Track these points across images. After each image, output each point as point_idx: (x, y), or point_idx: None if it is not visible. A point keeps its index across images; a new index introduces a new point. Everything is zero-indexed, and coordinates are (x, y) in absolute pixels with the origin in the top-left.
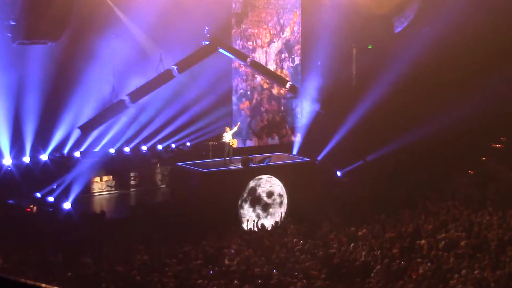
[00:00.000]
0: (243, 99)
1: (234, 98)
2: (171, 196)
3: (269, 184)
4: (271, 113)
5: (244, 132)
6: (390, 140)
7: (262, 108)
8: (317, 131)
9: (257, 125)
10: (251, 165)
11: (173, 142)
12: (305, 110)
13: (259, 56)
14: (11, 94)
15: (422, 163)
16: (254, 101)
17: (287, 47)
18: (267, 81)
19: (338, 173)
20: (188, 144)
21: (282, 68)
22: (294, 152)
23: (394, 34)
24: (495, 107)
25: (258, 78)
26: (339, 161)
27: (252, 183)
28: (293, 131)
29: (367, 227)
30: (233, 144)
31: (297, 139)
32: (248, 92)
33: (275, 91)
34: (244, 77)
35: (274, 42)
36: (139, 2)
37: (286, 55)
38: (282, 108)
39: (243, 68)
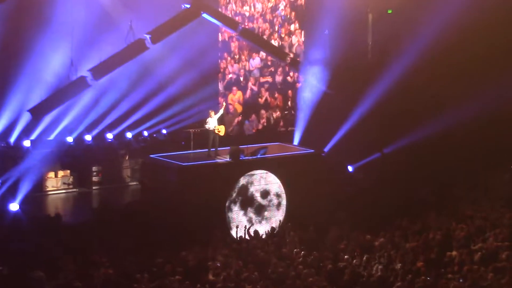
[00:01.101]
0: (233, 88)
1: (220, 86)
2: (142, 196)
3: (264, 182)
4: (273, 110)
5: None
6: (413, 128)
7: (259, 102)
8: (324, 116)
9: (251, 128)
10: (242, 157)
11: (145, 129)
12: (309, 91)
13: (259, 27)
14: None
15: (452, 156)
16: (248, 91)
17: (296, 13)
18: (268, 61)
19: (350, 168)
20: (164, 131)
21: (291, 46)
22: (295, 142)
23: None
24: None
25: (257, 59)
26: (350, 153)
27: (243, 180)
28: (294, 115)
29: (385, 235)
30: (219, 131)
31: (299, 126)
32: (241, 78)
33: (279, 77)
34: (236, 56)
35: (279, 8)
36: None
37: (297, 26)
38: (290, 103)
39: (235, 43)
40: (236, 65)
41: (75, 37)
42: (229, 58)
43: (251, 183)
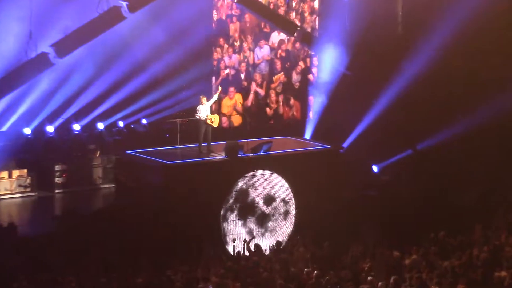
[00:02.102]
0: (229, 90)
1: (213, 84)
2: (117, 201)
3: (268, 185)
4: (287, 125)
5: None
6: (454, 118)
7: (267, 112)
8: (342, 104)
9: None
10: (241, 154)
11: (120, 119)
12: (323, 72)
13: None
14: None
15: (501, 153)
16: (251, 95)
17: None
18: (282, 50)
19: (375, 169)
20: (144, 121)
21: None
22: (307, 135)
23: None
24: None
25: (265, 47)
26: (375, 150)
27: (242, 183)
28: (305, 103)
29: (418, 252)
30: (212, 121)
31: (312, 115)
32: (242, 76)
33: (297, 77)
34: (236, 43)
35: None
36: None
37: None
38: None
39: (235, 24)
40: (235, 56)
41: (34, 4)
42: (226, 46)
43: (252, 186)
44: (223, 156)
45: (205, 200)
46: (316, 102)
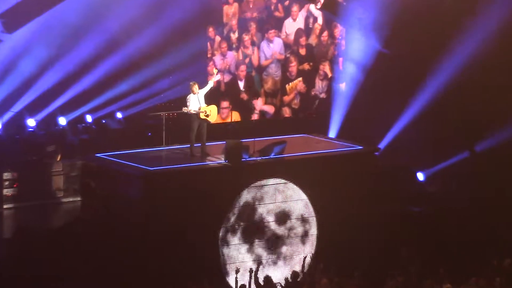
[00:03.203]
0: (222, 106)
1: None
2: (82, 220)
3: (282, 198)
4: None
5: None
6: None
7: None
8: (378, 93)
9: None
10: (246, 158)
11: (88, 113)
12: (353, 51)
13: None
14: None
15: None
16: (255, 115)
17: None
18: (301, 45)
19: (420, 177)
20: (119, 115)
21: None
22: (332, 133)
23: None
24: None
25: (277, 41)
26: (420, 152)
27: (247, 196)
28: (329, 92)
29: (478, 283)
30: (208, 115)
31: (338, 108)
32: (240, 84)
33: (322, 84)
34: (233, 36)
35: None
36: None
37: None
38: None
39: (232, 6)
40: (231, 55)
41: None
42: (217, 39)
43: (260, 200)
44: (222, 161)
45: (199, 218)
46: (344, 90)
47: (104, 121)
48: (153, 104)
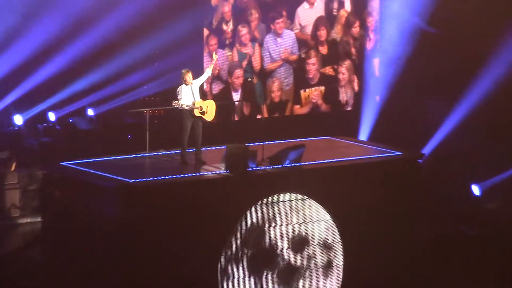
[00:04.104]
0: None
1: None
2: (44, 244)
3: (299, 218)
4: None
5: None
6: None
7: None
8: (419, 88)
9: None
10: (252, 167)
11: (50, 109)
12: (388, 39)
13: None
14: None
15: None
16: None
17: None
18: (321, 43)
19: (475, 190)
20: (90, 112)
21: None
22: (363, 135)
23: None
24: None
25: (287, 34)
26: (475, 160)
27: (254, 215)
28: (358, 88)
29: None
30: (204, 112)
31: (370, 106)
32: (235, 95)
33: (349, 94)
34: (227, 29)
35: None
36: None
37: None
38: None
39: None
40: (223, 54)
41: None
42: (204, 32)
43: (271, 221)
44: (222, 171)
45: (193, 244)
46: (378, 81)
47: (71, 120)
48: (134, 98)
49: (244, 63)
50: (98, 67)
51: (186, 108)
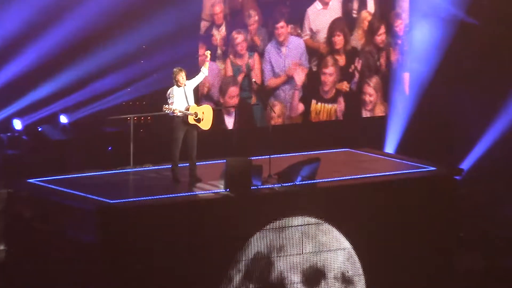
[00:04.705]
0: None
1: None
2: (8, 275)
3: (314, 246)
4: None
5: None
6: None
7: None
8: (459, 88)
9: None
10: (257, 184)
11: (16, 116)
12: (423, 25)
13: None
14: None
15: None
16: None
17: None
18: (339, 53)
19: None
20: (64, 120)
21: None
22: (390, 147)
23: None
24: None
25: (292, 42)
26: None
27: (259, 242)
28: (385, 92)
29: None
30: (199, 119)
31: (397, 113)
32: (227, 120)
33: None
34: (218, 35)
35: None
36: None
37: None
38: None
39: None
40: (214, 67)
41: None
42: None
43: (280, 249)
44: (221, 189)
45: (186, 275)
46: (408, 84)
47: (40, 129)
48: (115, 103)
49: (240, 78)
50: (72, 65)
51: (179, 114)
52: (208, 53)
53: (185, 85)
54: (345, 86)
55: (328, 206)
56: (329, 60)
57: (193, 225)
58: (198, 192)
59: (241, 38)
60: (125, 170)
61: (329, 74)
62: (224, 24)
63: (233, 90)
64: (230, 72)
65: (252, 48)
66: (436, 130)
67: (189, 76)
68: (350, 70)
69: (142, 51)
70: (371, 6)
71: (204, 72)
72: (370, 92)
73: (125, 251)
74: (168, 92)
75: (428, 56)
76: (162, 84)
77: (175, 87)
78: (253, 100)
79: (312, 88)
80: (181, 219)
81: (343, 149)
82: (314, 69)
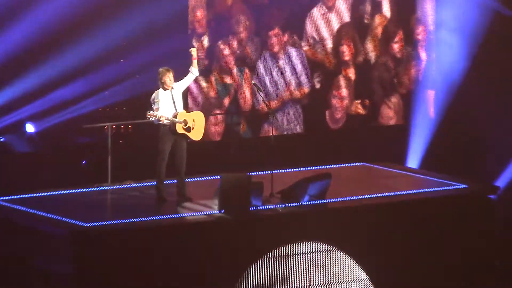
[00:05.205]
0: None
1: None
2: None
3: (322, 277)
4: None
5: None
6: None
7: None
8: (489, 93)
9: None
10: (257, 205)
11: None
12: (445, 47)
13: None
14: None
15: None
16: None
17: None
18: (341, 65)
19: None
20: (30, 129)
21: None
22: (412, 161)
23: None
24: None
25: (288, 61)
26: None
27: (259, 273)
28: (406, 115)
29: None
30: (189, 127)
31: (421, 122)
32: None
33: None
34: (202, 52)
35: None
36: None
37: None
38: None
39: None
40: (197, 85)
41: None
42: None
43: (283, 281)
44: (214, 211)
45: None
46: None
47: (2, 139)
48: (90, 109)
49: (227, 100)
50: (40, 65)
51: (165, 122)
52: (193, 50)
53: (172, 88)
54: (358, 108)
55: (340, 230)
56: (342, 80)
57: (182, 253)
58: (188, 214)
59: (228, 50)
60: (102, 188)
61: (342, 97)
62: (207, 33)
63: (217, 116)
64: (214, 92)
65: (241, 61)
66: (467, 142)
67: (177, 78)
68: (362, 87)
69: (122, 48)
70: (386, 9)
71: (193, 72)
72: (390, 115)
73: (102, 282)
74: (153, 96)
75: (457, 67)
76: (146, 87)
77: (160, 90)
78: (243, 128)
79: (317, 112)
80: (167, 245)
81: (358, 163)
82: (317, 86)
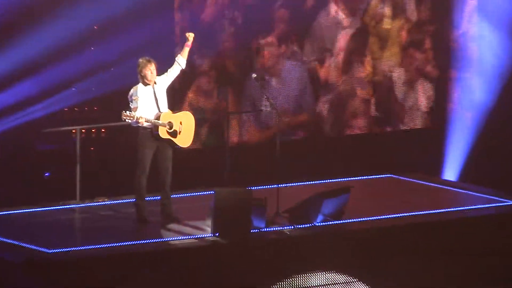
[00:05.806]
0: None
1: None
2: None
3: None
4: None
5: None
6: None
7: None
8: None
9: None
10: (259, 226)
11: None
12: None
13: None
14: None
15: None
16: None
17: None
18: (354, 85)
19: None
20: None
21: None
22: (449, 173)
23: None
24: None
25: (292, 77)
26: None
27: None
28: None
29: None
30: (176, 132)
31: (459, 128)
32: None
33: None
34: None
35: None
36: None
37: None
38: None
39: None
40: None
41: None
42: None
43: None
44: (207, 234)
45: None
46: (472, 91)
47: None
48: (54, 109)
49: (204, 131)
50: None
51: (145, 124)
52: (190, 35)
53: (155, 83)
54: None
55: (361, 258)
56: (360, 107)
57: (166, 286)
58: (174, 238)
59: (207, 65)
60: (69, 206)
61: (362, 127)
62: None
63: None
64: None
65: (224, 79)
66: None
67: (161, 71)
68: (383, 110)
69: (92, 34)
70: (411, 10)
71: (181, 63)
72: (420, 115)
73: None
74: (131, 92)
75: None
76: (122, 81)
77: (140, 85)
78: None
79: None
80: (149, 277)
81: (383, 175)
82: (325, 113)
